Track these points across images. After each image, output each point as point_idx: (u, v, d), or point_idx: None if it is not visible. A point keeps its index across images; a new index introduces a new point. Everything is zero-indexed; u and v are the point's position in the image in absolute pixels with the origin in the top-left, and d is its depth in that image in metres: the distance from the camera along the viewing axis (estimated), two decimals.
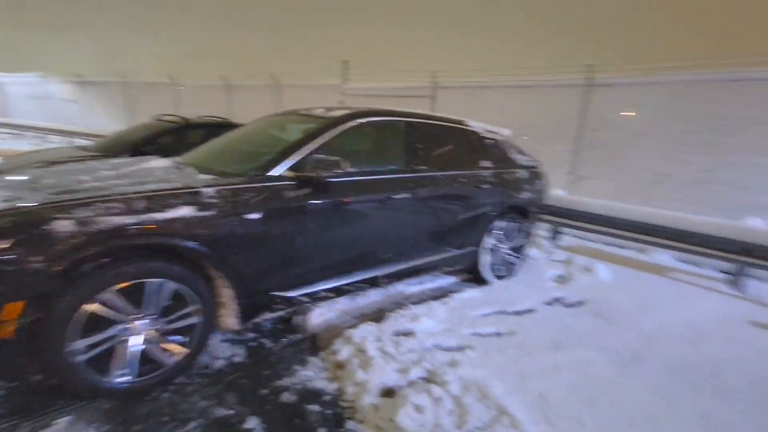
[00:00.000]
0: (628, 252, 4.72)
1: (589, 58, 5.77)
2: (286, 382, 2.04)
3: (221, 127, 5.14)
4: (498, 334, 2.59)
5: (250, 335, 2.43)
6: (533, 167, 3.76)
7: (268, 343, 2.38)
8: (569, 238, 4.97)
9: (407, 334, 2.47)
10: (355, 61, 8.69)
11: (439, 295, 3.15)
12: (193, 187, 1.91)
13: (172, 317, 1.89)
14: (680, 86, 5.24)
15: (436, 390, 1.90)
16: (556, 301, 3.18)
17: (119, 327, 1.76)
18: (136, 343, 1.80)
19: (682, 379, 2.23)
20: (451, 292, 3.20)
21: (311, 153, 2.28)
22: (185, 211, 1.80)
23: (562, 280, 3.63)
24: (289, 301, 2.29)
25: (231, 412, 1.81)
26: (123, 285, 1.71)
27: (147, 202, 1.75)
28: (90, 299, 1.64)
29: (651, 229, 4.19)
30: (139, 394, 1.84)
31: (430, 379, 2.03)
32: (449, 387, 1.94)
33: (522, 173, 3.59)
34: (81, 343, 1.66)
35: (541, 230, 4.76)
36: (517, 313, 2.93)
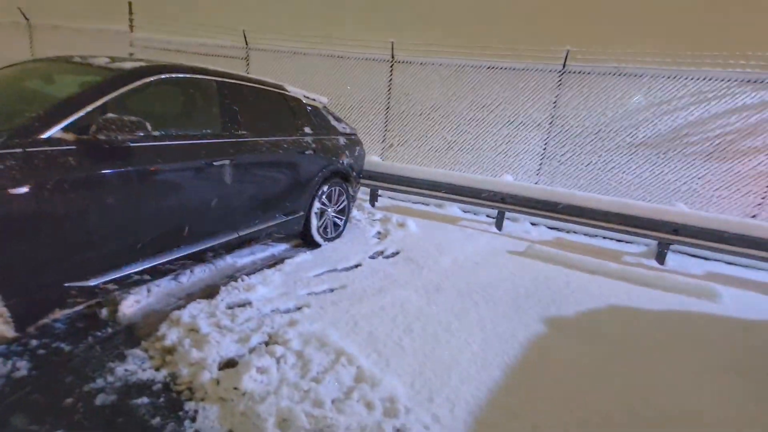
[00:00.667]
0: (429, 207, 5.66)
1: (394, 36, 6.37)
2: (99, 383, 1.75)
3: None
4: (331, 290, 2.80)
5: (35, 342, 1.95)
6: (351, 134, 4.03)
7: (64, 346, 1.96)
8: (384, 199, 5.61)
9: (243, 304, 2.42)
10: (150, 7, 7.28)
11: (273, 262, 3.16)
12: None
13: None
14: (457, 68, 6.39)
15: (278, 349, 1.97)
16: (378, 254, 3.62)
17: None
18: None
19: (467, 298, 2.91)
20: (284, 258, 3.25)
21: (98, 111, 1.89)
22: None
23: (381, 235, 4.12)
24: (90, 292, 1.92)
25: None
26: None
27: None
28: None
29: (444, 187, 5.12)
30: None
31: (271, 341, 2.08)
32: (290, 344, 2.04)
33: (342, 140, 3.81)
34: None
35: (361, 193, 5.21)
36: (346, 269, 3.22)
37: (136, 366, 1.88)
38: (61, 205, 1.73)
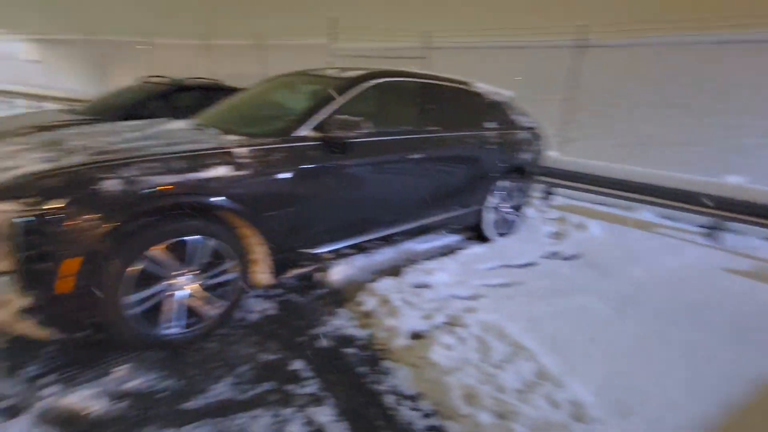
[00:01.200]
0: (614, 209, 5.00)
1: (582, 19, 5.79)
2: (319, 330, 2.21)
3: (215, 90, 5.02)
4: (505, 285, 2.80)
5: (278, 291, 2.56)
6: (533, 128, 3.89)
7: (295, 297, 2.52)
8: (559, 197, 5.21)
9: (424, 286, 2.65)
10: (343, 20, 8.42)
11: (447, 251, 3.34)
12: (227, 148, 1.96)
13: (212, 273, 1.99)
14: (663, 49, 5.39)
15: (460, 331, 2.11)
16: (554, 255, 3.42)
17: (166, 282, 1.86)
18: (181, 297, 1.91)
19: (668, 317, 2.51)
20: (458, 248, 3.39)
21: (333, 113, 2.33)
22: (224, 171, 1.87)
23: (557, 236, 3.87)
24: (316, 258, 2.42)
25: (275, 356, 1.97)
26: (168, 242, 1.79)
27: (188, 162, 1.80)
28: (139, 256, 1.72)
29: (636, 187, 4.46)
30: (188, 344, 1.96)
31: (452, 323, 2.23)
32: (470, 329, 2.15)
33: (523, 134, 3.72)
34: (133, 297, 1.76)
35: (536, 190, 4.96)
36: (520, 266, 3.16)
37: (344, 322, 2.29)
38: (307, 187, 2.22)
